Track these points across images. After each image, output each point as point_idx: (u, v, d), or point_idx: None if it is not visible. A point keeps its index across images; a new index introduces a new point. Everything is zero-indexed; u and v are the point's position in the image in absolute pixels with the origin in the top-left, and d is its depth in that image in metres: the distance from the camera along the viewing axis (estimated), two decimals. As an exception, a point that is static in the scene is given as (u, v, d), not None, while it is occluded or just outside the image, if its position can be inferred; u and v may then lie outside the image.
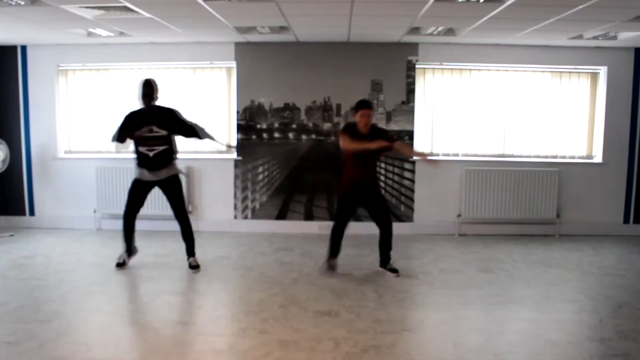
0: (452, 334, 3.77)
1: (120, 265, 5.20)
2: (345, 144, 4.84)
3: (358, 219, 6.87)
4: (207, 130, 5.20)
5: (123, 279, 4.91)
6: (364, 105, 4.87)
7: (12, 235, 6.61)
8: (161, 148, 4.97)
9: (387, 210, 5.14)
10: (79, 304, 4.27)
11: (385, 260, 5.16)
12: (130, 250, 5.29)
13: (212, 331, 3.81)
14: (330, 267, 5.11)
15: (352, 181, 4.95)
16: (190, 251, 5.29)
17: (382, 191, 6.78)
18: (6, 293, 4.51)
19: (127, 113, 5.05)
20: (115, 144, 5.07)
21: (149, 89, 4.90)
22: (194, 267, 5.19)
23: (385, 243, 5.12)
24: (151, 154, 4.96)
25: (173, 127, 5.01)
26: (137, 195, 5.12)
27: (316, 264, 5.44)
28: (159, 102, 5.03)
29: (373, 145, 4.77)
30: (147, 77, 5.05)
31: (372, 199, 5.02)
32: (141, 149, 4.98)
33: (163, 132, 4.96)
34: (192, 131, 5.08)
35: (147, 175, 5.01)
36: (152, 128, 4.93)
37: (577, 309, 4.28)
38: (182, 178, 5.31)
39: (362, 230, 6.76)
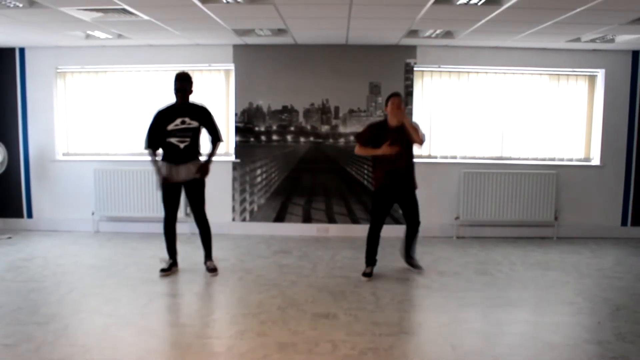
0: (450, 336, 3.77)
1: (166, 270, 5.08)
2: (356, 148, 5.05)
3: (356, 221, 6.89)
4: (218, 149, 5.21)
5: (121, 282, 4.90)
6: (393, 94, 4.95)
7: (10, 238, 6.60)
8: (191, 140, 4.95)
9: (418, 208, 5.12)
10: (76, 306, 4.26)
11: (409, 255, 5.28)
12: (174, 256, 5.21)
13: (210, 333, 3.80)
14: (364, 274, 5.06)
15: (385, 176, 4.95)
16: (208, 255, 5.23)
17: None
18: (4, 295, 4.50)
19: (156, 111, 4.99)
20: (148, 151, 5.03)
21: (178, 83, 4.87)
22: (212, 270, 5.15)
23: (411, 240, 5.23)
24: (182, 145, 4.92)
25: (203, 121, 5.01)
26: (170, 198, 5.05)
27: (314, 267, 5.44)
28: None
29: (379, 152, 4.86)
30: (182, 71, 5.02)
31: (406, 195, 5.03)
32: (172, 139, 4.92)
33: (195, 124, 4.94)
34: (215, 134, 5.09)
35: (173, 175, 4.96)
36: (185, 119, 4.90)
37: (575, 311, 4.28)
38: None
39: (360, 232, 6.77)
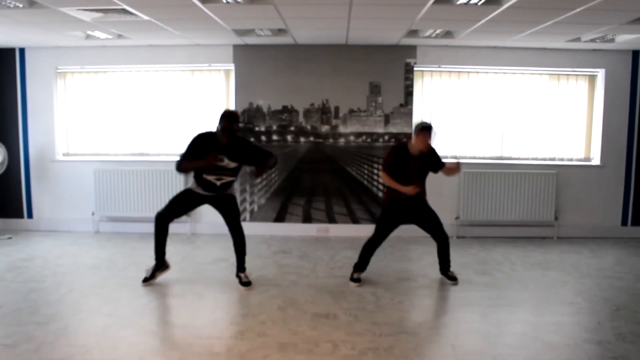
0: (450, 336, 3.77)
1: (147, 279, 4.82)
2: (383, 174, 4.81)
3: (356, 221, 6.88)
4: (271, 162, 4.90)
5: (121, 282, 4.90)
6: (429, 128, 4.70)
7: (10, 238, 6.60)
8: (229, 179, 4.71)
9: (440, 221, 4.93)
10: (76, 306, 4.27)
11: (445, 267, 5.02)
12: (161, 263, 4.89)
13: (210, 334, 3.80)
14: (354, 280, 4.92)
15: (397, 196, 4.76)
16: (241, 267, 4.92)
17: (381, 193, 6.82)
18: (4, 295, 4.50)
19: (197, 135, 4.64)
20: (179, 173, 4.81)
21: (231, 122, 4.53)
22: (245, 283, 4.81)
23: (444, 253, 4.97)
24: (218, 183, 4.66)
25: (245, 158, 4.71)
26: (182, 204, 4.80)
27: (314, 267, 5.44)
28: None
29: (402, 189, 4.67)
30: (230, 109, 4.78)
31: (420, 213, 4.88)
32: (208, 176, 4.63)
33: (234, 165, 4.65)
34: (266, 156, 4.81)
35: (203, 191, 4.73)
36: (224, 158, 4.57)
37: (575, 311, 4.28)
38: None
39: (360, 232, 6.77)
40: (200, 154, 4.51)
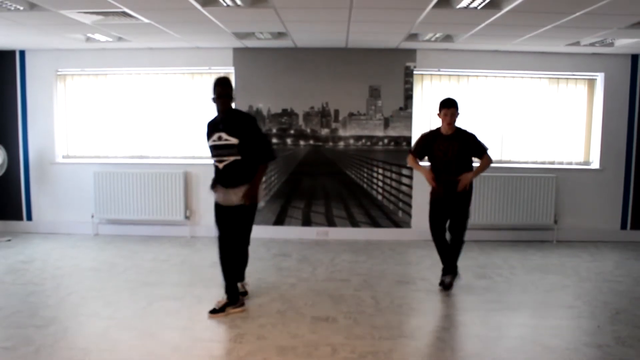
0: (449, 340, 3.77)
1: (216, 311, 4.21)
2: (409, 156, 5.00)
3: (356, 224, 6.88)
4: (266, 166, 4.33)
5: (120, 284, 4.90)
6: (445, 104, 4.73)
7: (9, 240, 6.59)
8: (232, 159, 4.13)
9: (464, 225, 4.83)
10: (76, 309, 4.26)
11: (447, 270, 4.86)
12: (235, 287, 4.35)
13: (210, 337, 3.80)
14: (440, 283, 4.87)
15: (439, 187, 4.77)
16: (239, 276, 4.54)
17: (380, 197, 6.82)
18: (3, 298, 4.50)
19: (207, 124, 4.35)
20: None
21: (220, 88, 4.13)
22: (241, 293, 4.42)
23: (451, 256, 4.86)
24: (221, 165, 4.18)
25: (244, 137, 4.12)
26: (221, 221, 4.29)
27: (314, 270, 5.44)
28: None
29: (424, 175, 4.85)
30: (221, 75, 4.39)
31: (453, 204, 4.77)
32: (213, 158, 4.26)
33: (233, 140, 4.10)
34: (262, 154, 4.23)
35: (220, 198, 4.25)
36: (221, 135, 4.14)
37: (574, 315, 4.28)
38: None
39: (359, 236, 6.78)
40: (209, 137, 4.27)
